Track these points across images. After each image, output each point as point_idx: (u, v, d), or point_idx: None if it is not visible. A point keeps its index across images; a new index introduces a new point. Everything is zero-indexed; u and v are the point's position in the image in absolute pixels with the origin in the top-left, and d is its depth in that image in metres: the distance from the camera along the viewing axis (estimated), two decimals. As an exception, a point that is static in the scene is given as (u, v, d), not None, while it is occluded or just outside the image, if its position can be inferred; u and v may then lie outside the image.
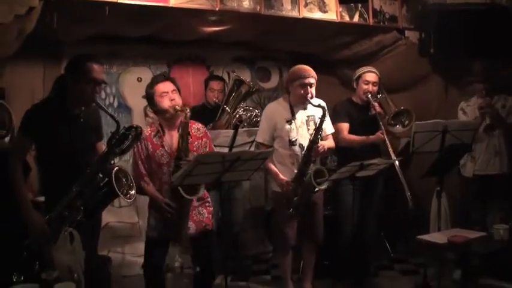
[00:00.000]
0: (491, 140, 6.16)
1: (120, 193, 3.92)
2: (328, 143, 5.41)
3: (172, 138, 4.73)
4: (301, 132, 5.28)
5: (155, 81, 4.77)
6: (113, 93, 6.62)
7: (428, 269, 5.62)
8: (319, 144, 5.19)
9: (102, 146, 4.40)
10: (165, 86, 4.68)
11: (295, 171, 5.23)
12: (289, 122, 5.28)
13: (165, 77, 4.89)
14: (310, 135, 5.23)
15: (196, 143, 4.75)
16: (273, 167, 5.30)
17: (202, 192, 4.63)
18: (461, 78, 6.70)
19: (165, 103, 4.64)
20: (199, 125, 4.89)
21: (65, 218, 3.82)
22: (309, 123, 5.32)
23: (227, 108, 6.19)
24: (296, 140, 5.26)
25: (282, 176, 5.27)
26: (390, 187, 6.21)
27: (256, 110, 6.67)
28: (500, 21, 6.11)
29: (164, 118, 4.74)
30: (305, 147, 5.23)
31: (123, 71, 6.70)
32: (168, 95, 4.65)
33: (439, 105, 6.90)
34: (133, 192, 4.09)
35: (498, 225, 4.81)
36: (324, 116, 5.18)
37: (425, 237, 5.07)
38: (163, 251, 4.90)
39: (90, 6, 5.01)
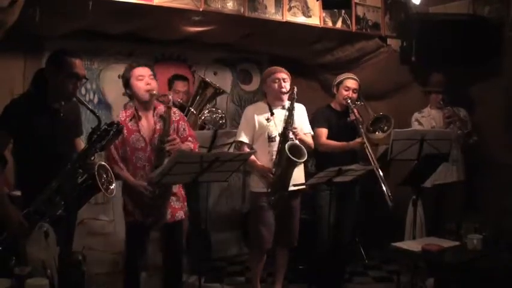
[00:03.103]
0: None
1: (102, 189, 3.94)
2: (307, 137, 5.48)
3: (148, 123, 4.75)
4: (279, 129, 5.32)
5: (133, 65, 4.81)
6: (93, 90, 6.57)
7: (401, 276, 5.64)
8: (295, 126, 5.26)
9: (81, 142, 4.39)
10: (143, 70, 4.73)
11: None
12: (268, 119, 5.35)
13: (144, 64, 4.91)
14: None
15: (172, 126, 4.76)
16: (255, 159, 5.33)
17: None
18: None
19: (141, 86, 4.67)
20: (174, 109, 4.90)
21: (44, 213, 3.79)
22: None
23: (192, 110, 6.16)
24: (275, 136, 5.32)
25: (263, 165, 5.31)
26: (366, 194, 6.24)
27: (220, 111, 6.64)
28: (482, 33, 6.17)
29: (139, 102, 4.75)
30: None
31: (104, 67, 6.65)
32: (145, 79, 4.68)
33: (419, 113, 6.93)
34: (113, 187, 4.11)
35: (472, 235, 4.84)
36: (292, 104, 5.26)
37: (400, 244, 5.09)
38: (145, 237, 4.90)
39: (73, 1, 4.99)
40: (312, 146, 5.55)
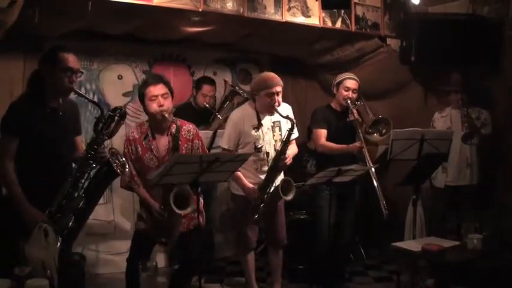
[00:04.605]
0: (464, 151, 6.21)
1: (119, 172, 4.05)
2: (292, 151, 5.41)
3: (161, 142, 4.71)
4: (267, 138, 5.29)
5: (148, 82, 4.72)
6: (93, 90, 6.56)
7: (401, 276, 5.64)
8: (286, 156, 5.22)
9: (81, 140, 4.41)
10: (156, 89, 4.62)
11: (261, 177, 5.28)
12: (256, 128, 5.28)
13: (159, 79, 4.75)
14: (275, 141, 5.30)
15: (185, 145, 4.74)
16: (239, 174, 5.25)
17: (192, 208, 4.52)
18: (439, 88, 6.75)
19: (153, 108, 4.60)
20: (189, 127, 4.84)
21: (66, 209, 3.85)
22: (274, 129, 5.34)
23: (219, 116, 6.20)
24: (262, 146, 5.27)
25: (248, 184, 5.27)
26: (367, 194, 6.23)
27: None
28: (481, 32, 6.17)
29: (153, 121, 4.70)
30: (269, 153, 5.29)
31: (103, 68, 6.65)
32: (158, 100, 4.59)
33: (419, 113, 6.92)
34: (127, 169, 4.21)
35: (472, 234, 4.84)
36: (292, 129, 5.17)
37: (400, 244, 5.09)
38: (150, 246, 4.93)
39: (72, 1, 4.99)
40: (296, 152, 5.55)
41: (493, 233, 5.00)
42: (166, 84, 4.72)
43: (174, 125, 4.75)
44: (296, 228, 5.90)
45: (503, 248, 4.80)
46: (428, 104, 6.98)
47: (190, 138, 4.80)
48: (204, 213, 4.91)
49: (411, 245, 4.99)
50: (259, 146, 5.26)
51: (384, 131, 5.72)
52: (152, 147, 4.68)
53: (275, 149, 5.29)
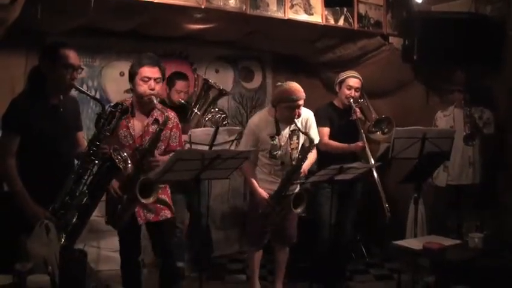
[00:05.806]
0: (466, 150, 6.21)
1: (121, 167, 4.06)
2: (310, 160, 5.41)
3: (141, 122, 4.62)
4: (283, 147, 5.30)
5: (143, 62, 4.56)
6: (95, 87, 6.57)
7: (402, 274, 5.64)
8: (301, 170, 5.23)
9: (82, 136, 4.43)
10: (151, 71, 4.50)
11: (274, 177, 5.33)
12: (273, 137, 5.28)
13: (156, 62, 4.62)
14: (292, 149, 5.32)
15: (164, 132, 4.57)
16: (254, 182, 5.33)
17: (154, 198, 4.46)
18: (442, 86, 6.75)
19: (143, 89, 4.49)
20: (171, 114, 4.68)
21: (69, 206, 3.90)
22: (292, 137, 5.33)
23: (196, 111, 6.14)
24: (277, 153, 5.28)
25: (261, 192, 5.30)
26: (368, 192, 6.23)
27: (222, 111, 6.61)
28: (485, 31, 6.16)
29: (138, 100, 4.61)
30: (284, 162, 5.31)
31: (105, 65, 6.65)
32: (149, 82, 4.48)
33: (420, 112, 6.93)
34: (129, 165, 4.18)
35: (473, 233, 4.85)
36: (310, 148, 5.19)
37: (401, 242, 5.09)
38: (133, 234, 4.82)
39: (75, -2, 5.00)
40: (314, 159, 5.58)
41: (493, 232, 5.01)
42: (162, 69, 4.63)
43: (158, 112, 4.63)
44: (297, 226, 5.88)
45: (503, 247, 4.81)
46: (430, 103, 6.98)
47: (170, 126, 4.69)
48: (172, 206, 4.82)
49: (412, 243, 4.99)
50: (275, 153, 5.29)
51: (386, 130, 5.73)
52: (129, 124, 4.58)
53: (291, 157, 5.31)
